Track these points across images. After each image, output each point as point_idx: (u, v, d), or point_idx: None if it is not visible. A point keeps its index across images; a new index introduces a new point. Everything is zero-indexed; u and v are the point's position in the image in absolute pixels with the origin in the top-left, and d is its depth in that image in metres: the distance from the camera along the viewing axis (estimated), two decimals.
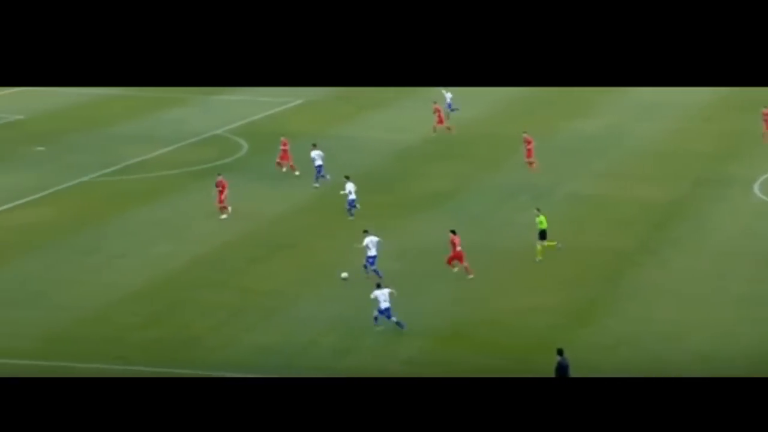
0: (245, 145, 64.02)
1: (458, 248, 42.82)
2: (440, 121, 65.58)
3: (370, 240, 42.60)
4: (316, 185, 55.12)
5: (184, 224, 50.25)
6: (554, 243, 44.98)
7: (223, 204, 50.58)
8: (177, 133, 67.08)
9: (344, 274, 41.09)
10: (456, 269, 43.24)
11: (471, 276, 42.79)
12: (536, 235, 44.94)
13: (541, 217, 45.15)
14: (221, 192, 50.60)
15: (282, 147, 57.85)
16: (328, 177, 55.10)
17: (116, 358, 36.23)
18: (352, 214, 50.16)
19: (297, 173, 56.77)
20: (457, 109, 68.65)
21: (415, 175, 57.90)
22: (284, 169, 57.33)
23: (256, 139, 61.47)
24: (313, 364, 35.78)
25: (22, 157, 61.86)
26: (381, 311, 37.99)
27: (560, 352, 32.90)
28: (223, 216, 50.40)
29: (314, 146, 56.22)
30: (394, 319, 38.04)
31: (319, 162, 55.37)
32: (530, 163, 57.92)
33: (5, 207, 52.84)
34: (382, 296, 37.95)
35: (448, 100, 68.62)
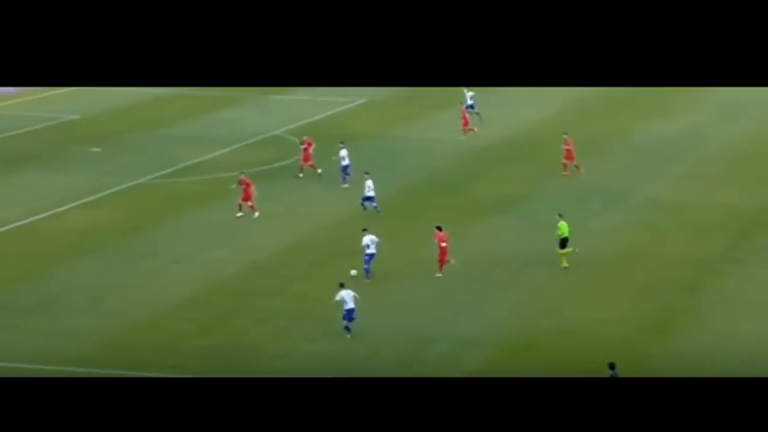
0: None
1: (443, 245, 41.97)
2: (465, 123, 64.14)
3: (370, 239, 42.22)
4: (346, 185, 53.89)
5: (242, 228, 49.25)
6: (570, 249, 43.22)
7: (250, 203, 49.84)
8: (234, 133, 66.13)
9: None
10: (443, 270, 42.34)
11: (439, 275, 42.10)
12: (560, 242, 43.31)
13: (563, 223, 43.42)
14: (246, 190, 49.82)
15: (304, 147, 56.25)
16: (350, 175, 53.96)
17: (171, 367, 35.32)
18: (365, 209, 49.74)
19: (317, 171, 55.45)
20: (477, 113, 66.48)
21: (483, 178, 56.53)
22: (301, 174, 55.64)
23: (316, 140, 59.87)
24: (374, 374, 34.44)
25: (78, 158, 61.19)
26: (346, 312, 37.21)
27: (612, 366, 32.31)
28: (239, 214, 49.72)
29: (342, 145, 54.87)
30: (352, 322, 37.26)
31: (346, 162, 54.11)
32: (566, 166, 55.73)
33: (61, 209, 52.08)
34: (348, 297, 37.27)
35: (469, 101, 66.63)
